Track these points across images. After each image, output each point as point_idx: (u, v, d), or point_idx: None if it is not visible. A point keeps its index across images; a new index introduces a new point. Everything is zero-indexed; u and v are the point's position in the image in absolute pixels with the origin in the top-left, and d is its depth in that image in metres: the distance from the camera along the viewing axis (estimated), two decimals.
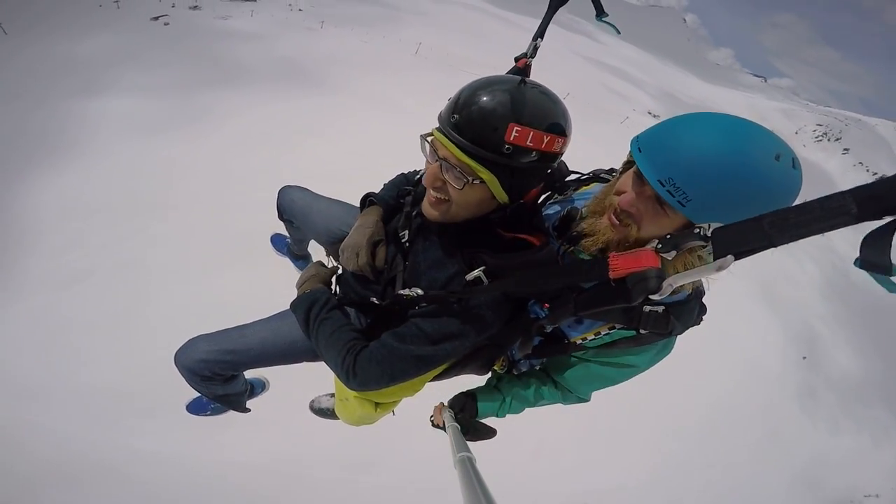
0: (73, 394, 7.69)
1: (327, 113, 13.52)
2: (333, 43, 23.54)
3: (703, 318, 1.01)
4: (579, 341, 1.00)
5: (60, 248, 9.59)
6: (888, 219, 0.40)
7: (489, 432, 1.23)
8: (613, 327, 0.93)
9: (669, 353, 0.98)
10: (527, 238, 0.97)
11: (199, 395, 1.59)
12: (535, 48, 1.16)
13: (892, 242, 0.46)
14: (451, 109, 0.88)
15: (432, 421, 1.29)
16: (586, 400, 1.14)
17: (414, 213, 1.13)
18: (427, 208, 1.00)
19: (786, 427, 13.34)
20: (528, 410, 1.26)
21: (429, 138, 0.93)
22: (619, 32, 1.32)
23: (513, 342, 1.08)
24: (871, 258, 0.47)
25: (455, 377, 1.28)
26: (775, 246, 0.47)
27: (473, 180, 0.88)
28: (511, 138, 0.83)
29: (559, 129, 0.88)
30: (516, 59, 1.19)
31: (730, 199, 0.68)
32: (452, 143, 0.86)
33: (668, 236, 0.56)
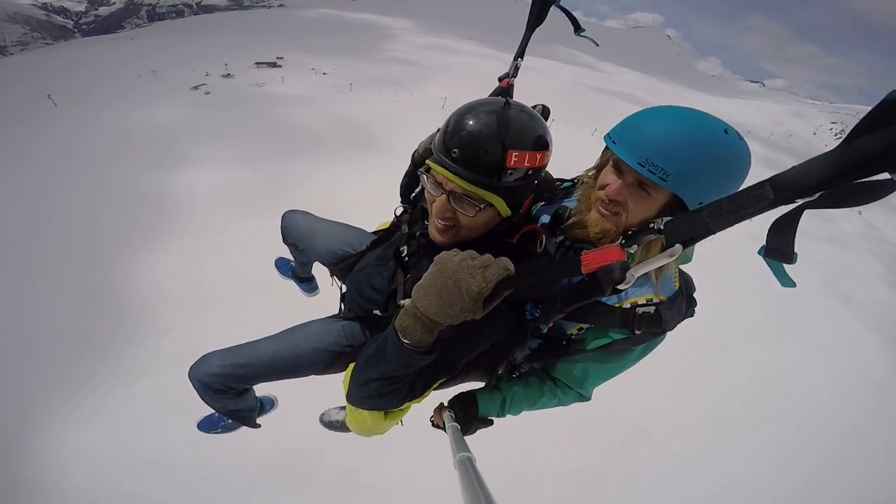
0: (185, 471, 7.71)
1: (379, 174, 14.29)
2: (366, 104, 24.72)
3: (695, 309, 1.12)
4: (573, 333, 1.05)
5: (162, 331, 9.77)
6: (800, 201, 0.44)
7: (487, 421, 1.23)
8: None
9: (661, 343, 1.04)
10: (532, 228, 1.03)
11: (209, 413, 1.69)
12: (517, 68, 1.24)
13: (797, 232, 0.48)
14: (446, 143, 0.91)
15: (432, 421, 1.25)
16: (587, 398, 1.12)
17: (417, 233, 1.15)
18: (435, 235, 1.01)
19: None
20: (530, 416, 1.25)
21: (428, 173, 0.96)
22: (597, 45, 1.39)
23: (514, 346, 1.10)
24: (776, 245, 0.51)
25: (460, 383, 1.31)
26: (713, 233, 0.52)
27: (484, 207, 0.93)
28: (511, 164, 0.88)
29: (545, 144, 0.94)
30: (500, 79, 1.25)
31: (699, 165, 0.80)
32: (458, 176, 0.89)
33: (630, 233, 0.63)
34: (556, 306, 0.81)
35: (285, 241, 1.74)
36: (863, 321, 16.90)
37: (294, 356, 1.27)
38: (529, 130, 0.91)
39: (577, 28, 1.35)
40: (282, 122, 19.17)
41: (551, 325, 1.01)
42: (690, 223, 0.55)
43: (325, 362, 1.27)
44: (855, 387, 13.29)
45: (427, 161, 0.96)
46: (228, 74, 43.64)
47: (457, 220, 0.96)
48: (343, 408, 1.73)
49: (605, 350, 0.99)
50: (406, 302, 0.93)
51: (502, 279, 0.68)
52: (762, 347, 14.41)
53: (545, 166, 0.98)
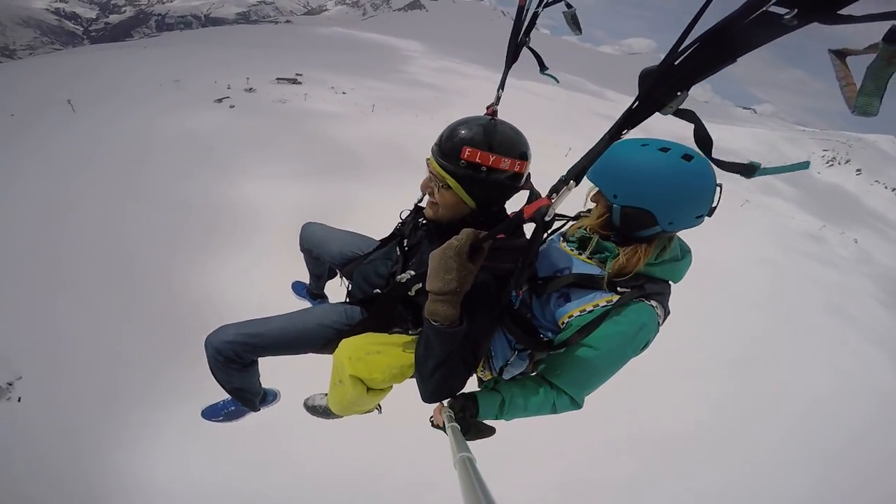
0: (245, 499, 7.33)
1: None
2: (389, 127, 25.16)
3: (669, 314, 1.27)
4: (566, 320, 1.18)
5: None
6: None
7: (488, 430, 1.27)
8: (597, 305, 1.16)
9: (651, 337, 1.15)
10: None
11: (214, 402, 1.86)
12: (499, 98, 1.52)
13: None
14: (438, 138, 1.23)
15: (432, 421, 1.29)
16: (579, 402, 1.18)
17: (421, 222, 1.42)
18: (427, 210, 1.33)
19: None
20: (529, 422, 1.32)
21: (427, 159, 1.28)
22: (557, 81, 1.63)
23: (495, 315, 1.22)
24: (737, 171, 0.68)
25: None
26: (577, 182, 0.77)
27: (443, 186, 1.22)
28: (465, 156, 1.16)
29: (508, 151, 1.18)
30: (487, 108, 1.49)
31: (614, 174, 1.14)
32: (434, 160, 1.22)
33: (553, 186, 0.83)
34: (522, 269, 0.99)
35: (302, 248, 1.95)
36: (867, 339, 17.70)
37: (300, 331, 1.45)
38: (496, 138, 1.17)
39: (542, 67, 1.57)
40: (318, 139, 19.31)
41: (521, 294, 1.23)
42: (582, 162, 0.75)
43: (327, 338, 1.43)
44: (864, 397, 13.96)
45: None
46: (251, 89, 43.90)
47: (434, 196, 1.26)
48: (326, 394, 1.86)
49: (591, 330, 1.09)
50: (405, 276, 1.25)
51: (471, 236, 0.93)
52: (776, 366, 15.09)
53: (511, 172, 1.20)
